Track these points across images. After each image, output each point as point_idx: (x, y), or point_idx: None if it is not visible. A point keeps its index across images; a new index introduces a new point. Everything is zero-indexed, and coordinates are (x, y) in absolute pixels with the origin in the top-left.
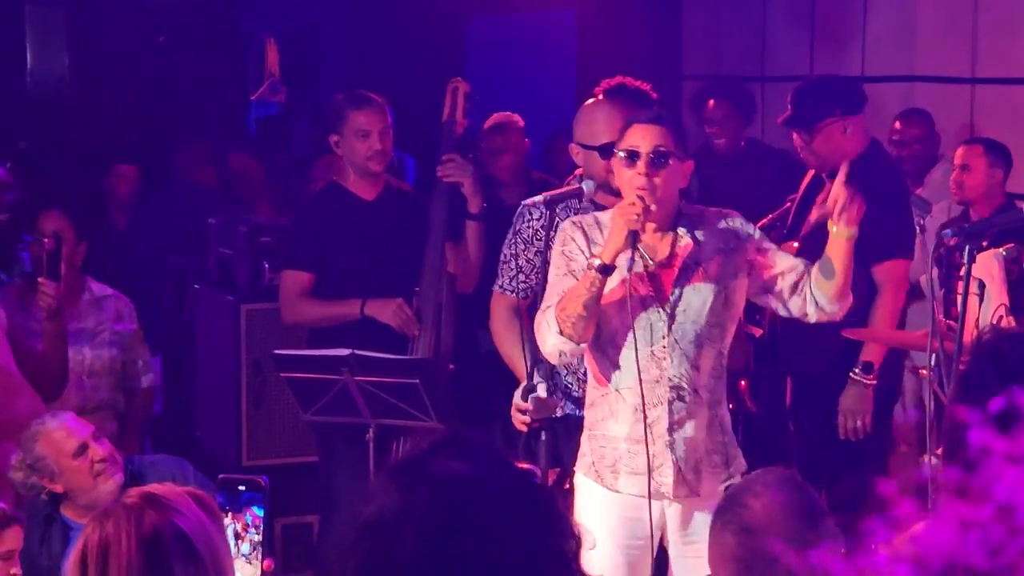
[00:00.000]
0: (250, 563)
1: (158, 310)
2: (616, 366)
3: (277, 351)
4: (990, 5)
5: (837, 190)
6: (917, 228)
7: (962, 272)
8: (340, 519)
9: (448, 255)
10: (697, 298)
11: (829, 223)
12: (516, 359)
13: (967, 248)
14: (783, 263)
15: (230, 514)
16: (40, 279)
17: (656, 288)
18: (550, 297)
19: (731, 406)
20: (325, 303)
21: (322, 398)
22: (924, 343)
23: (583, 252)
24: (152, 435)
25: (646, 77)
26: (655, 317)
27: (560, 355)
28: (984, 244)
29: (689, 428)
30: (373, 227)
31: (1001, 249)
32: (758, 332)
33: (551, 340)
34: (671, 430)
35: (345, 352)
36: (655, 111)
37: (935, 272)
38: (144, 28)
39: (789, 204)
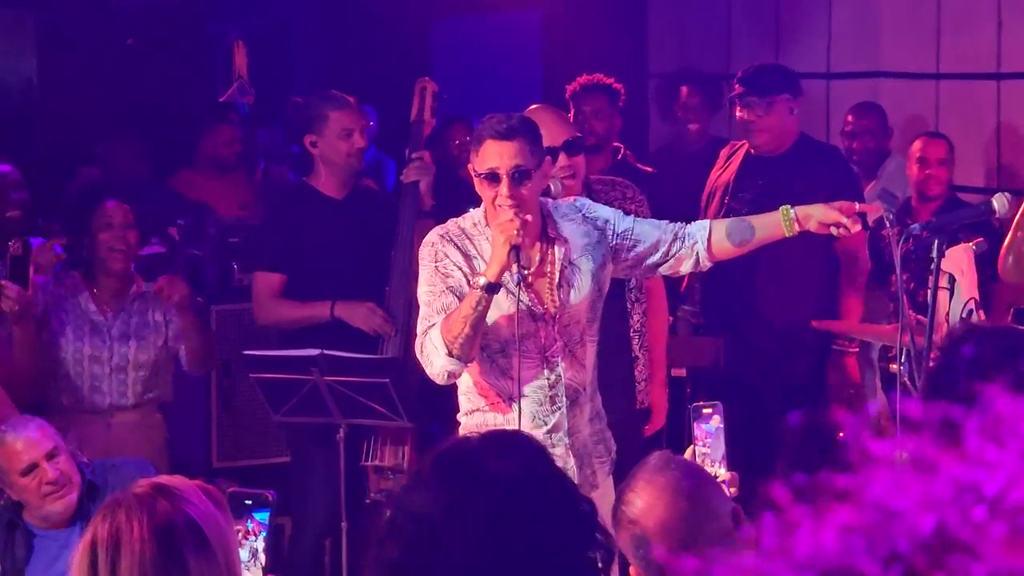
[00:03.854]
0: (248, 570)
1: None
2: (509, 377)
3: (246, 352)
4: (952, 0)
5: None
6: (886, 222)
7: (931, 266)
8: (397, 512)
9: (416, 252)
10: (578, 298)
11: (787, 209)
12: None
13: (936, 242)
14: (650, 236)
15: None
16: (2, 283)
17: (539, 296)
18: (429, 316)
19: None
20: (297, 305)
21: (292, 399)
22: (894, 336)
23: (460, 267)
24: None
25: (612, 76)
26: (543, 325)
27: (448, 376)
28: (954, 238)
29: (582, 426)
30: (343, 226)
31: (972, 243)
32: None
33: (439, 362)
34: (570, 432)
35: (314, 352)
36: (506, 124)
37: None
38: (112, 31)
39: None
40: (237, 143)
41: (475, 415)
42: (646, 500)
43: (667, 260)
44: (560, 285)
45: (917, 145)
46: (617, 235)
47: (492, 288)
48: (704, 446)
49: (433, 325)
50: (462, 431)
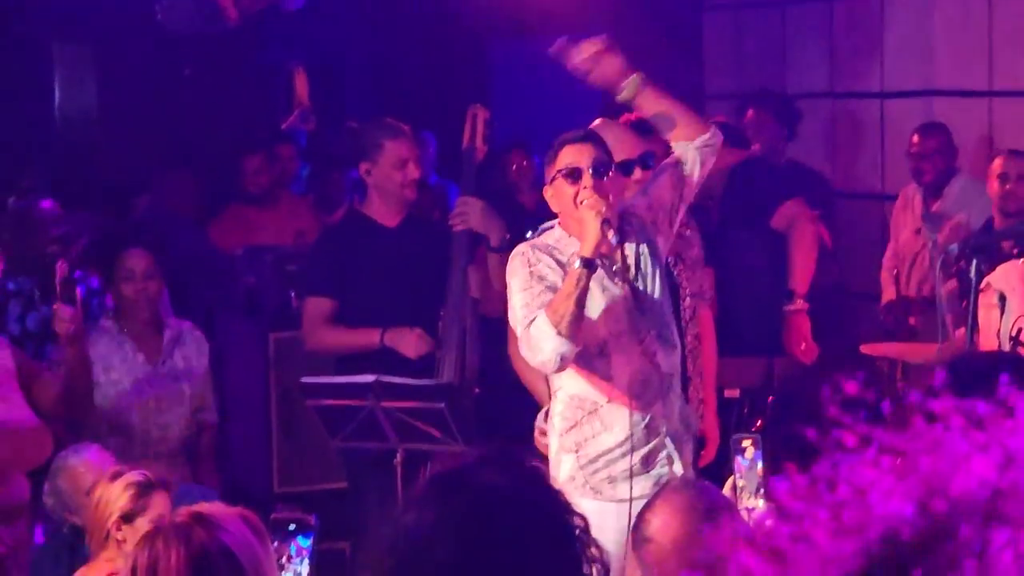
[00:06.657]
0: None
1: None
2: (608, 377)
3: (304, 379)
4: (1005, 18)
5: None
6: (929, 243)
7: (980, 285)
8: (374, 531)
9: (471, 278)
10: (654, 284)
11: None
12: (537, 383)
13: (974, 262)
14: (664, 182)
15: (276, 543)
16: (55, 306)
17: (624, 289)
18: (530, 313)
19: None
20: (346, 331)
21: (349, 424)
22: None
23: (553, 269)
24: None
25: None
26: (636, 316)
27: (561, 360)
28: (1015, 252)
29: (674, 412)
30: (395, 254)
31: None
32: None
33: (549, 345)
34: (666, 419)
35: (370, 378)
36: (583, 131)
37: (950, 285)
38: (170, 62)
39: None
40: (264, 174)
41: (572, 432)
42: (662, 518)
43: (683, 182)
44: (637, 276)
45: (998, 162)
46: (649, 208)
47: (589, 264)
48: (741, 478)
49: (535, 317)
50: (561, 450)
